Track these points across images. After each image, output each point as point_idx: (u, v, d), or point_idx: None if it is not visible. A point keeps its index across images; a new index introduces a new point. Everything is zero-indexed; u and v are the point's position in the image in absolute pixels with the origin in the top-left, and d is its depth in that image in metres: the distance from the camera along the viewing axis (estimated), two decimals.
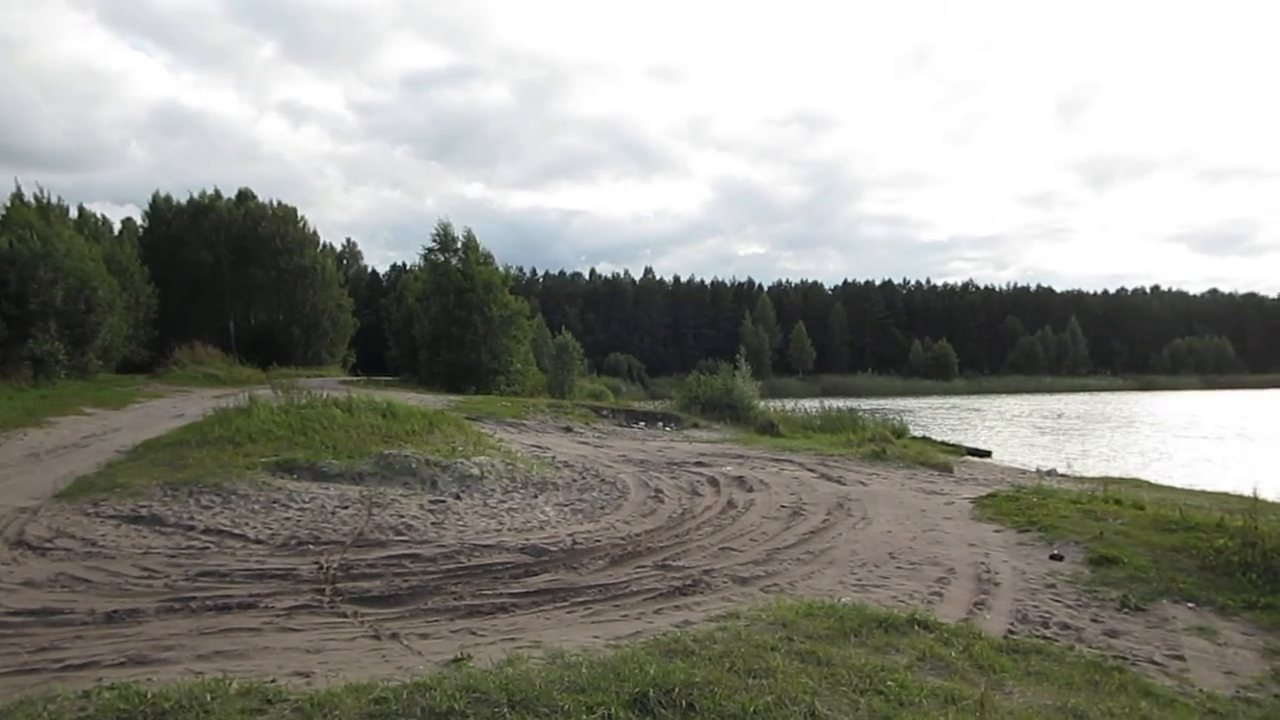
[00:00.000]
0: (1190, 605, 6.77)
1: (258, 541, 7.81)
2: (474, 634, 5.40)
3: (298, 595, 6.18)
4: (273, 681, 4.13)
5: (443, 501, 9.88)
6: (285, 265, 45.06)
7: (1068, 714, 4.17)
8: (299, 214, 48.21)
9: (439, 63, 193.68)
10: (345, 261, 70.12)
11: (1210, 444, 29.63)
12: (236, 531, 8.11)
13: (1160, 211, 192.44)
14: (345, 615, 5.78)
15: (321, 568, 6.88)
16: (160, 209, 45.68)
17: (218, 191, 47.04)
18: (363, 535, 8.07)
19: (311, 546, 7.64)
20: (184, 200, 45.97)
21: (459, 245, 36.19)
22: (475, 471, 11.24)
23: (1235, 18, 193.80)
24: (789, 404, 28.89)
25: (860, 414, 25.43)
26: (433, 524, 8.75)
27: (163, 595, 6.08)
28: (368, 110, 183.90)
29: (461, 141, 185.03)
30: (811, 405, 27.92)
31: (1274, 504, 9.75)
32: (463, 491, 10.48)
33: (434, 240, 36.37)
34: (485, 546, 7.76)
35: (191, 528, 8.19)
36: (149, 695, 3.76)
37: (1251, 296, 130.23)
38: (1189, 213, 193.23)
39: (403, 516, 8.95)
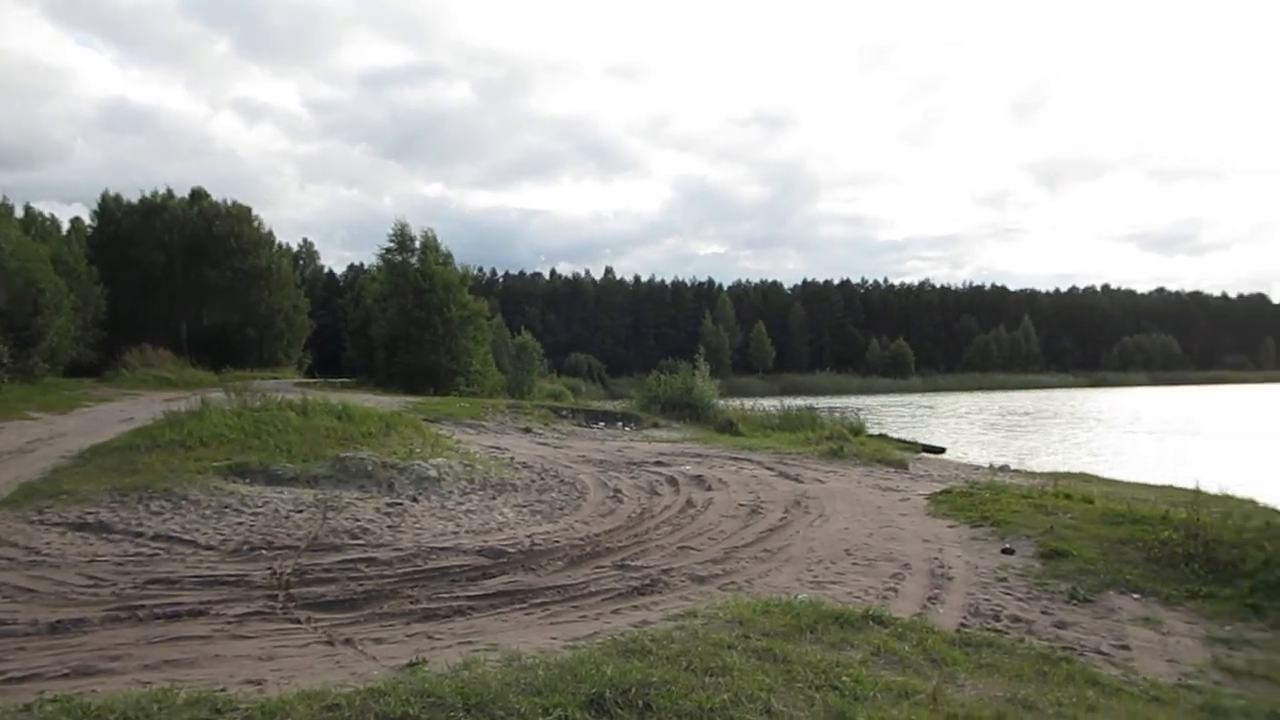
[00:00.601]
0: (1136, 596, 6.94)
1: (209, 547, 7.67)
2: (430, 638, 5.35)
3: (250, 602, 6.08)
4: (223, 690, 4.06)
5: (399, 504, 9.79)
6: (240, 265, 44.26)
7: (1017, 705, 4.25)
8: (254, 213, 47.46)
9: (398, 61, 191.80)
10: (301, 262, 69.14)
11: (1156, 439, 30.38)
12: (187, 537, 7.95)
13: (1111, 212, 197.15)
14: (299, 621, 5.70)
15: (274, 573, 6.78)
16: (110, 208, 44.63)
17: (170, 190, 46.12)
18: (317, 539, 7.96)
19: (264, 552, 7.52)
20: (135, 199, 45.01)
21: (417, 245, 35.87)
22: (433, 473, 11.15)
23: (1187, 21, 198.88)
24: (749, 403, 29.04)
25: (819, 412, 25.64)
26: (389, 527, 8.66)
27: (109, 604, 5.95)
28: (324, 108, 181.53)
29: (421, 140, 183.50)
30: (771, 404, 28.10)
31: (1216, 496, 10.00)
32: (420, 494, 10.39)
33: (392, 240, 35.99)
34: (442, 549, 7.70)
35: (140, 534, 8.02)
36: (93, 707, 3.67)
37: (1197, 295, 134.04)
38: (1139, 213, 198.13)
39: (358, 520, 8.84)
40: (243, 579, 6.63)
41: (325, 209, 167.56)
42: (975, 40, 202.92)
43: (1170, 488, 13.02)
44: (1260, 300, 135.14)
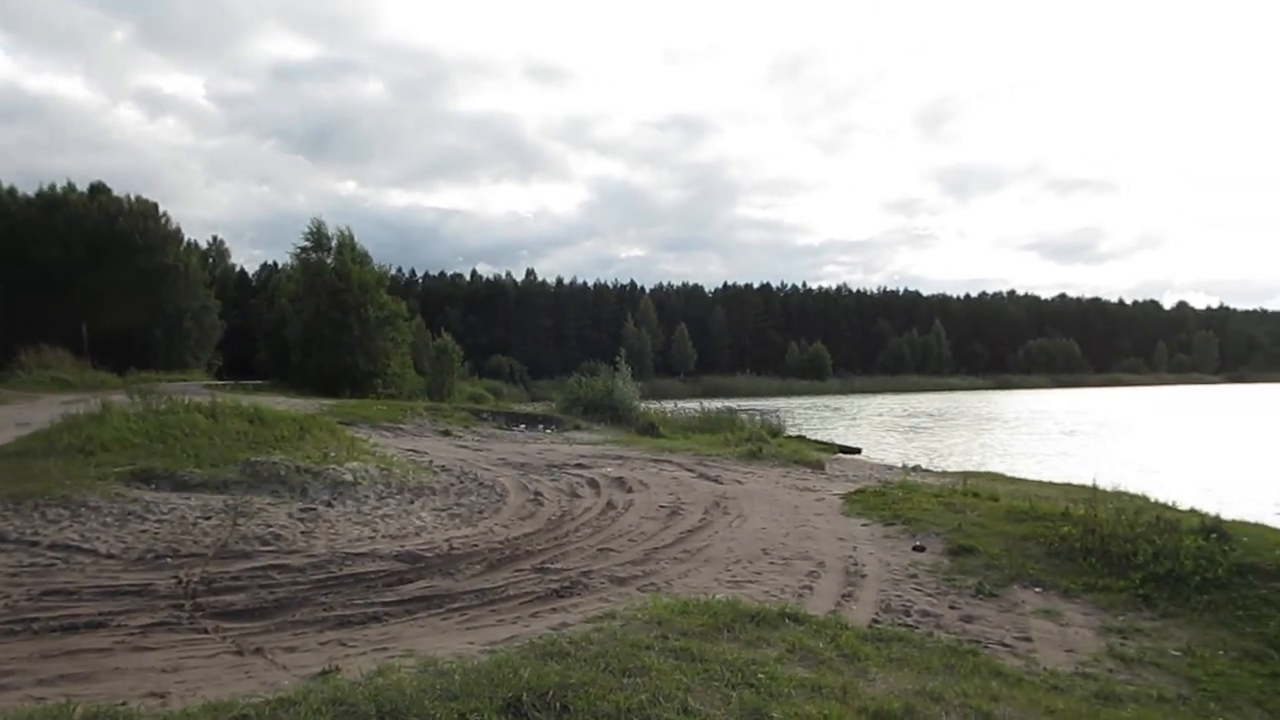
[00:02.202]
0: (1038, 589, 7.23)
1: (110, 556, 7.36)
2: (344, 645, 5.24)
3: (153, 612, 5.86)
4: (123, 704, 3.91)
5: (314, 509, 9.56)
6: (145, 264, 42.63)
7: (925, 697, 4.38)
8: (160, 209, 45.76)
9: (308, 55, 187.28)
10: (211, 260, 66.65)
11: (1058, 438, 31.65)
12: (86, 546, 7.60)
13: (1014, 220, 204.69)
14: (205, 631, 5.52)
15: (180, 582, 6.55)
16: (4, 201, 42.49)
17: (71, 184, 44.13)
18: (226, 547, 7.72)
19: (170, 560, 7.25)
20: (32, 193, 42.94)
21: (334, 244, 35.09)
22: (348, 478, 10.92)
23: (1079, 38, 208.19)
24: (670, 405, 29.24)
25: (739, 414, 25.99)
26: (302, 533, 8.45)
27: (1, 617, 5.66)
28: (232, 102, 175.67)
29: (334, 137, 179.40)
30: (692, 406, 28.34)
31: (1111, 493, 10.49)
32: (335, 499, 10.16)
33: (307, 238, 35.17)
34: (358, 555, 7.55)
35: (36, 543, 7.63)
36: None
37: (1095, 301, 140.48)
38: (1039, 222, 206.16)
39: (270, 526, 8.60)
40: (146, 588, 6.38)
41: (235, 206, 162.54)
42: (885, 54, 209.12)
43: (1069, 485, 13.59)
44: (1153, 306, 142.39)
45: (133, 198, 44.94)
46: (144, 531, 8.20)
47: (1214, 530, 7.78)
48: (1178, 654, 5.79)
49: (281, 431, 13.01)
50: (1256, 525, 8.92)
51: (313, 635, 5.49)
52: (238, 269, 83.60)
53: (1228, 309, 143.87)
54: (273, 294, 41.52)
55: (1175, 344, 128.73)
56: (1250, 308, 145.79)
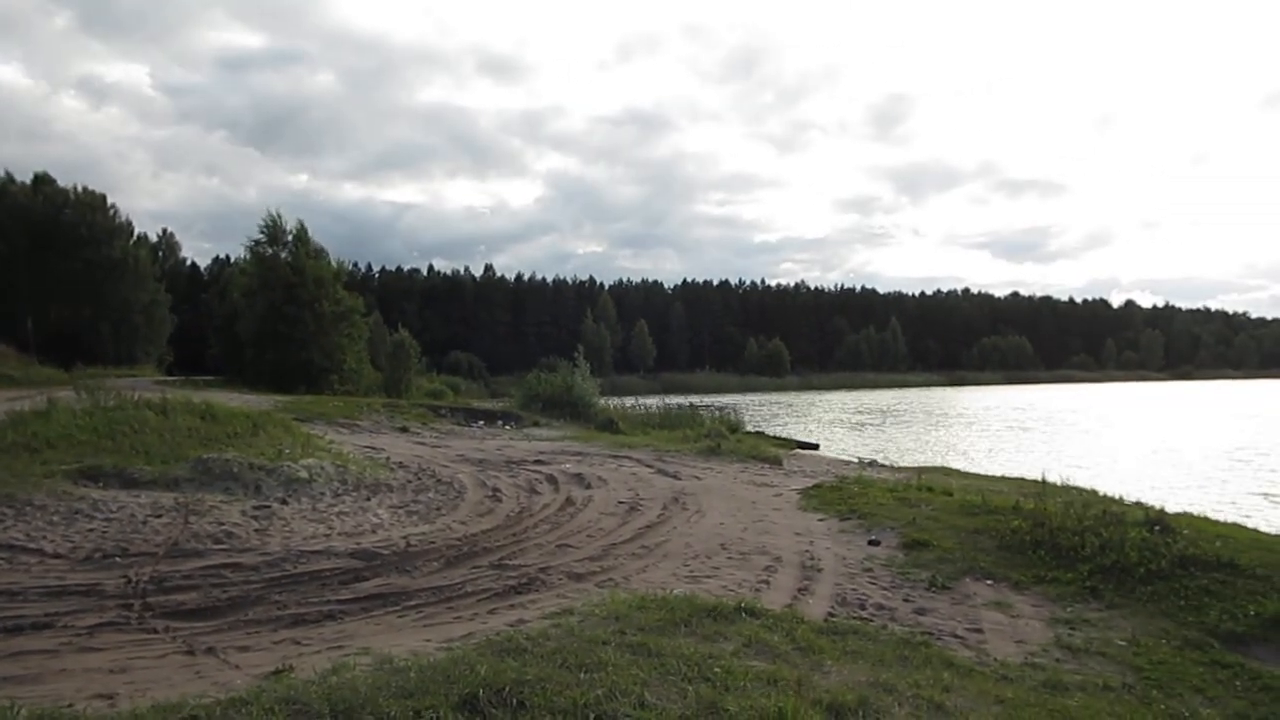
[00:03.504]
0: (989, 582, 7.37)
1: (56, 556, 7.18)
2: (298, 644, 5.18)
3: (101, 612, 5.74)
4: (69, 706, 3.83)
5: (267, 507, 9.42)
6: (92, 257, 41.59)
7: (879, 688, 4.45)
8: (108, 201, 44.66)
9: (256, 45, 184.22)
10: (162, 254, 65.28)
11: (1009, 434, 32.24)
12: (32, 546, 7.41)
13: (967, 219, 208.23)
14: (155, 631, 5.42)
15: (130, 581, 6.42)
16: None
17: (10, 175, 42.91)
18: (177, 545, 7.58)
19: (119, 559, 7.10)
20: None
21: (289, 237, 34.55)
22: (303, 475, 10.77)
23: (1026, 41, 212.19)
24: (630, 401, 29.31)
25: (698, 410, 26.11)
26: (256, 531, 8.32)
27: None
28: (178, 92, 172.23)
29: (285, 129, 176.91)
30: (652, 402, 28.45)
31: (1060, 487, 10.72)
32: (289, 496, 10.02)
33: (261, 232, 34.57)
34: (313, 552, 7.46)
35: None
36: None
37: (1046, 300, 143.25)
38: (991, 221, 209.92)
39: (223, 524, 8.46)
40: (94, 588, 6.24)
41: (184, 198, 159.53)
42: (835, 53, 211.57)
43: (1021, 479, 13.87)
44: (1102, 305, 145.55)
45: (79, 188, 43.85)
46: (92, 530, 8.03)
47: (1157, 523, 8.00)
48: (1123, 644, 5.94)
49: (234, 428, 12.80)
50: (1198, 518, 9.18)
51: (266, 634, 5.42)
52: (188, 262, 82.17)
53: (1173, 308, 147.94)
54: (225, 288, 40.68)
55: (1123, 341, 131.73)
56: (1194, 306, 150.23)
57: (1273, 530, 9.48)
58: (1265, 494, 16.57)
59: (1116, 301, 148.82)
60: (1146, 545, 7.44)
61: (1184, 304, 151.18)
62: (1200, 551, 7.28)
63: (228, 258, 70.35)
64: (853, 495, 10.84)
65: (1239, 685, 5.32)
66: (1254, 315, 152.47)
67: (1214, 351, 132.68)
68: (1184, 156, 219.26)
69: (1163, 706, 4.86)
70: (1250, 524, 10.21)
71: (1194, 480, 18.73)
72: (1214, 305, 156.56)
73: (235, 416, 13.48)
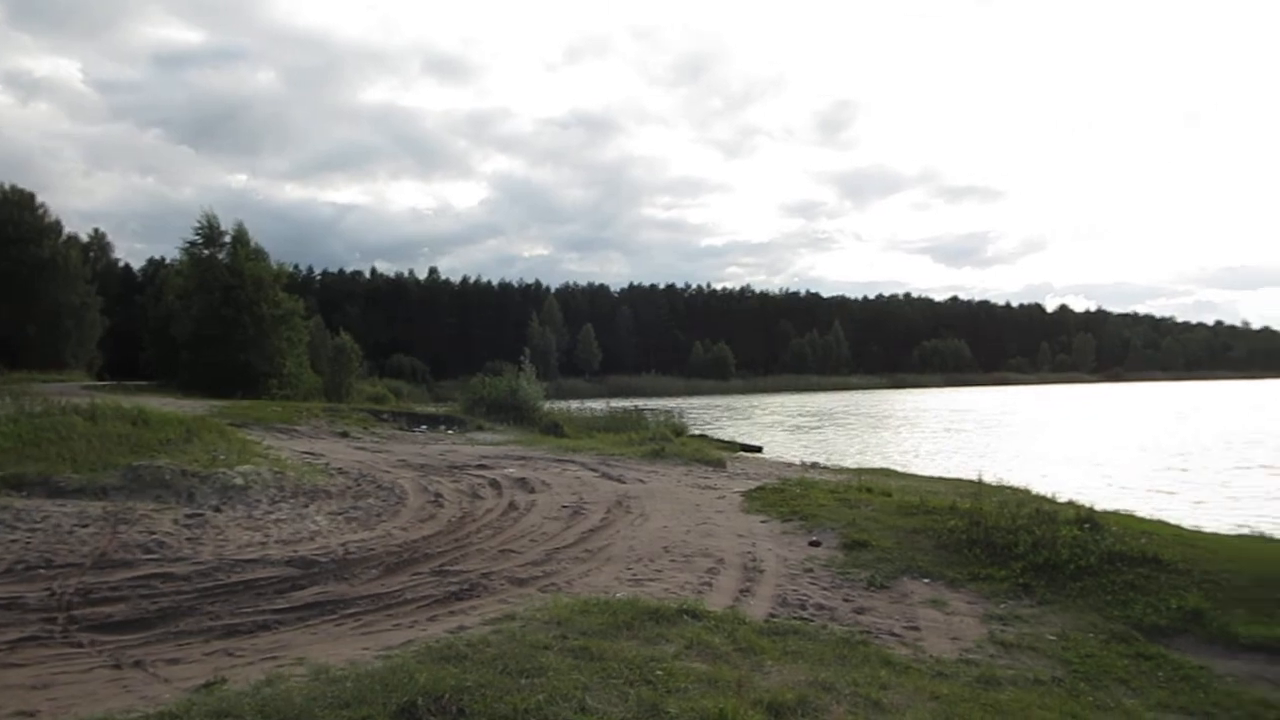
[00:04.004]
0: (926, 580, 7.50)
1: None
2: (231, 655, 5.06)
3: (23, 626, 5.53)
4: None
5: (201, 515, 9.18)
6: (19, 256, 40.17)
7: (818, 687, 4.50)
8: (37, 200, 43.18)
9: (194, 41, 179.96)
10: (93, 254, 63.20)
11: (950, 435, 32.91)
12: None
13: (908, 224, 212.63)
14: (80, 645, 5.24)
15: (54, 594, 6.20)
16: None
17: None
18: (105, 556, 7.34)
19: (42, 571, 6.86)
20: None
21: (227, 238, 33.79)
22: (239, 481, 10.53)
23: (969, 48, 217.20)
24: (575, 405, 29.24)
25: (643, 413, 26.15)
26: (188, 540, 8.11)
27: None
28: (112, 88, 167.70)
29: (224, 127, 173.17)
30: (597, 406, 28.39)
31: (996, 487, 10.98)
32: (224, 503, 9.79)
33: (198, 232, 33.77)
34: (248, 561, 7.30)
35: None
36: None
37: (985, 304, 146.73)
38: (932, 226, 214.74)
39: (154, 533, 8.22)
40: (15, 601, 6.02)
41: (116, 197, 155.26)
42: (787, 60, 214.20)
43: (958, 480, 14.15)
44: (1037, 309, 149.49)
45: (6, 186, 42.33)
46: (14, 541, 7.72)
47: (1088, 521, 8.23)
48: (1053, 638, 6.10)
49: (167, 434, 12.46)
50: (1125, 515, 9.47)
51: (198, 646, 5.29)
52: (121, 263, 79.69)
53: (1104, 312, 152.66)
54: (160, 290, 39.60)
55: (1057, 344, 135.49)
56: (1124, 310, 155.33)
57: (1190, 525, 9.82)
58: (1165, 490, 17.14)
59: (1051, 306, 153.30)
60: (1077, 543, 7.66)
61: (1115, 308, 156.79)
62: (1127, 548, 7.52)
63: (163, 259, 68.35)
64: (795, 497, 10.95)
65: (1161, 676, 5.51)
66: (1180, 320, 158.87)
67: (1143, 354, 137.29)
68: (1115, 166, 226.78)
69: (1090, 698, 5.00)
70: (1173, 519, 10.56)
71: (1123, 479, 19.32)
72: (1143, 310, 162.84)
73: (168, 422, 13.13)
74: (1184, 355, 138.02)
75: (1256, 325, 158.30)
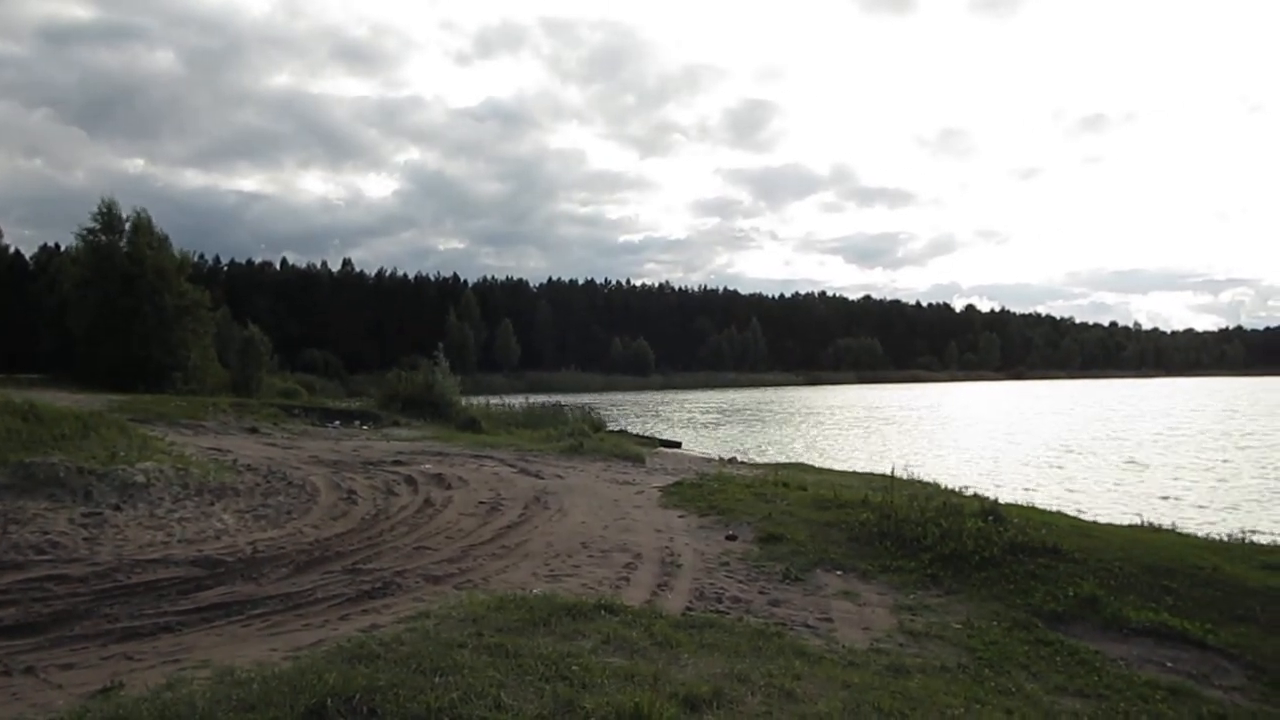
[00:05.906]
0: (839, 573, 7.67)
1: None
2: (130, 659, 4.86)
3: None
4: None
5: (99, 514, 8.78)
6: None
7: (733, 679, 4.56)
8: None
9: (86, 17, 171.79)
10: None
11: (863, 430, 33.73)
12: None
13: (822, 225, 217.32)
14: None
15: None
16: None
17: None
18: None
19: None
20: None
21: (126, 225, 32.36)
22: (140, 479, 10.09)
23: (880, 52, 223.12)
24: (493, 400, 28.94)
25: (562, 409, 26.07)
26: (85, 539, 7.75)
27: None
28: None
29: (118, 109, 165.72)
30: (516, 401, 28.19)
31: (906, 480, 11.29)
32: (124, 502, 9.38)
33: (96, 219, 32.25)
34: (149, 561, 7.02)
35: None
36: None
37: (896, 303, 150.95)
38: (845, 227, 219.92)
39: (47, 533, 7.83)
40: None
41: (2, 180, 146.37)
42: (701, 58, 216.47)
43: (870, 475, 14.52)
44: (945, 309, 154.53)
45: None
46: None
47: (991, 513, 8.54)
48: (959, 627, 6.31)
49: (62, 430, 11.85)
50: (1027, 507, 9.87)
51: (94, 650, 5.06)
52: (11, 250, 75.48)
53: (1008, 312, 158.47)
54: (55, 279, 37.67)
55: (964, 343, 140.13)
56: (1026, 311, 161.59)
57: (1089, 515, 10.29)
58: (1068, 486, 17.96)
59: (959, 306, 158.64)
60: (982, 534, 7.94)
61: (1017, 309, 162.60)
62: (1028, 539, 7.83)
63: (57, 246, 65.21)
64: (712, 492, 11.07)
65: (1059, 660, 5.76)
66: (1078, 320, 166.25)
67: (1043, 353, 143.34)
68: (1016, 171, 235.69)
69: (993, 684, 5.18)
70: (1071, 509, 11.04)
71: (1024, 470, 20.11)
72: (1043, 310, 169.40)
73: (63, 417, 12.51)
74: (1081, 354, 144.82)
75: (1147, 326, 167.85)
